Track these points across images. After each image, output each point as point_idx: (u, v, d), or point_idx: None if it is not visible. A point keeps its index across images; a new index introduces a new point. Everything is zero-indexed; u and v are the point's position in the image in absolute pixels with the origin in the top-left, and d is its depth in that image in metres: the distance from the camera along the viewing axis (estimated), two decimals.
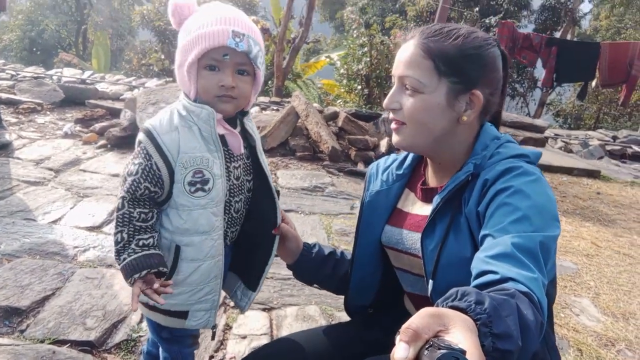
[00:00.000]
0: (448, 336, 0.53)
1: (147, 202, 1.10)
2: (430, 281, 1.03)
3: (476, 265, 0.85)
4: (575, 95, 10.57)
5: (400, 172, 1.22)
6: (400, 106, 1.05)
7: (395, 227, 1.18)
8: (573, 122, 15.54)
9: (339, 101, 9.34)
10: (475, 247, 0.97)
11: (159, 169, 1.07)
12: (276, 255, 1.30)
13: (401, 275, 1.21)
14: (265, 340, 1.94)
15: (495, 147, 1.05)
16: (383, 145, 5.27)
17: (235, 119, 1.17)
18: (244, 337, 1.95)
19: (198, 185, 1.09)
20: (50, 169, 3.54)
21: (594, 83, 7.34)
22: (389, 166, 1.26)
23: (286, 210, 3.40)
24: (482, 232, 0.92)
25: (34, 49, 21.18)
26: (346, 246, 2.90)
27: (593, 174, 5.68)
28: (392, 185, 1.22)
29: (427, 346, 0.52)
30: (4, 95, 5.30)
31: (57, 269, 2.22)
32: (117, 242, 1.09)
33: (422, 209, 1.15)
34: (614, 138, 7.65)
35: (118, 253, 1.08)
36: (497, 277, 0.78)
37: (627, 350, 2.32)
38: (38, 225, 2.62)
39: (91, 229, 2.68)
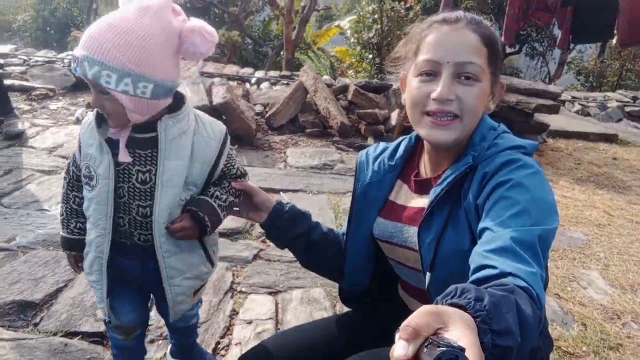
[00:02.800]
0: (447, 334, 0.53)
1: (79, 187, 1.28)
2: (428, 274, 1.03)
3: (474, 259, 0.86)
4: (597, 53, 10.23)
5: (393, 162, 1.20)
6: (455, 97, 1.00)
7: (389, 220, 1.17)
8: (595, 79, 15.09)
9: (350, 71, 9.22)
10: (474, 240, 0.97)
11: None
12: (249, 217, 1.33)
13: (395, 265, 1.21)
14: (270, 325, 2.00)
15: (493, 137, 1.05)
16: (394, 117, 5.21)
17: (153, 123, 1.16)
18: (250, 323, 2.01)
19: (86, 180, 1.21)
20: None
21: (613, 41, 7.10)
22: (379, 155, 1.24)
23: (295, 190, 3.44)
24: (481, 225, 0.92)
25: (48, 28, 21.26)
26: None
27: (610, 138, 5.56)
28: (383, 176, 1.20)
29: (426, 344, 0.52)
30: (17, 82, 5.37)
31: None
32: (60, 215, 1.37)
33: (416, 201, 1.14)
34: (634, 99, 7.42)
35: (61, 224, 1.36)
36: (495, 271, 0.79)
37: (633, 322, 2.32)
38: (52, 216, 2.70)
39: None
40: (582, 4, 6.91)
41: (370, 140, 4.73)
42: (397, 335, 0.53)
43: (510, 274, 0.77)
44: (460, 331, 0.53)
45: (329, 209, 3.17)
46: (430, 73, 1.02)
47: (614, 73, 14.67)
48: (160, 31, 1.09)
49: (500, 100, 1.12)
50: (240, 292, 2.23)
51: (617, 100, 7.32)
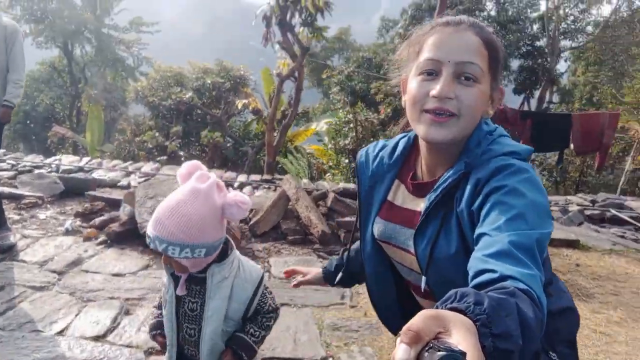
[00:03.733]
0: (448, 338, 0.54)
1: None
2: (423, 277, 1.08)
3: (474, 264, 0.86)
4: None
5: (391, 161, 1.23)
6: (454, 96, 1.02)
7: (388, 221, 1.21)
8: (559, 174, 15.94)
9: (327, 175, 9.69)
10: (463, 246, 1.01)
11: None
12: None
13: (397, 265, 1.26)
14: None
15: (488, 143, 1.07)
16: None
17: (206, 269, 1.51)
18: None
19: (162, 301, 1.62)
20: (54, 271, 3.73)
21: (570, 148, 7.76)
22: (378, 153, 1.27)
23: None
24: (478, 231, 0.93)
25: (28, 122, 21.61)
26: (337, 342, 3.07)
27: (573, 244, 5.91)
28: (383, 175, 1.24)
29: (427, 348, 0.53)
30: (6, 190, 5.54)
31: None
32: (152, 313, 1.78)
33: (413, 203, 1.17)
34: (593, 202, 7.97)
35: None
36: (495, 275, 0.79)
37: None
38: (46, 338, 2.79)
39: (96, 338, 2.84)
40: (539, 118, 7.61)
41: None
42: (398, 339, 0.54)
43: (510, 277, 0.77)
44: (460, 335, 0.54)
45: (313, 324, 3.32)
46: (432, 72, 1.03)
47: (576, 169, 15.58)
48: (209, 210, 1.41)
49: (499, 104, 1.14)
50: None
51: (578, 204, 7.83)
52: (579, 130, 7.50)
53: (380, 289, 1.34)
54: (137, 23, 18.65)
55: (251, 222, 5.18)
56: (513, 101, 24.27)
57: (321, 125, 13.65)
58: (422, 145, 1.14)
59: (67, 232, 4.62)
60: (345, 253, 1.54)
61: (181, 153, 12.29)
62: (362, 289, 3.92)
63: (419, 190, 1.15)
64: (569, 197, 8.44)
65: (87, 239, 4.51)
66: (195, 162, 1.54)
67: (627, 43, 18.46)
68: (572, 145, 7.61)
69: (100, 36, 18.14)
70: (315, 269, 1.68)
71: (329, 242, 5.03)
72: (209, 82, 12.82)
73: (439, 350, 0.51)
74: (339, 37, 24.84)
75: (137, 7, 21.76)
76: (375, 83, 18.82)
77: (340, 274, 1.55)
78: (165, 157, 10.36)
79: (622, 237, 6.67)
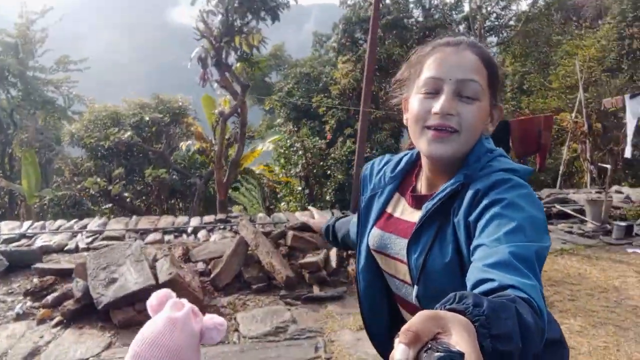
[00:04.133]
0: (447, 338, 0.54)
1: None
2: (415, 287, 1.08)
3: (472, 275, 0.86)
4: None
5: (393, 174, 1.27)
6: (456, 113, 1.04)
7: (384, 231, 1.22)
8: None
9: (282, 204, 9.66)
10: (457, 256, 1.01)
11: None
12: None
13: (389, 278, 1.25)
14: None
15: (487, 160, 1.09)
16: (333, 256, 5.51)
17: None
18: None
19: None
20: None
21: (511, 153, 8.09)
22: (382, 168, 1.31)
23: None
24: (476, 242, 0.93)
25: None
26: None
27: None
28: (384, 188, 1.27)
29: (425, 348, 0.53)
30: None
31: None
32: None
33: (411, 216, 1.18)
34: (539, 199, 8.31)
35: None
36: (495, 284, 0.79)
37: None
38: None
39: None
40: None
41: (316, 290, 4.94)
42: (396, 340, 0.54)
43: (511, 286, 0.77)
44: (459, 336, 0.54)
45: None
46: (433, 90, 1.07)
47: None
48: (187, 339, 1.36)
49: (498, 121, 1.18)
50: None
51: None
52: (518, 135, 7.83)
53: (372, 304, 1.34)
54: (63, 62, 17.95)
55: (212, 276, 5.06)
56: None
57: (267, 145, 13.63)
58: (424, 160, 1.17)
59: (19, 317, 4.35)
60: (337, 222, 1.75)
61: (126, 194, 11.90)
62: (335, 336, 3.91)
63: (417, 202, 1.17)
64: None
65: (41, 321, 4.27)
66: (165, 291, 1.49)
67: (547, 34, 19.46)
68: (512, 150, 7.95)
69: (25, 79, 17.34)
70: (321, 220, 1.88)
71: (294, 286, 4.99)
72: (147, 118, 12.49)
73: (438, 351, 0.51)
74: (274, 53, 24.87)
75: (63, 46, 20.98)
76: (316, 97, 19.01)
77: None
78: (110, 205, 10.01)
79: (570, 232, 6.98)
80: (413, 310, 1.18)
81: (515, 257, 0.83)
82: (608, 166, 6.99)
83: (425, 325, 0.54)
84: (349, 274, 5.26)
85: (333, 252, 5.58)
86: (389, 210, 1.24)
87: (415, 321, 0.55)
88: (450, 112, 1.03)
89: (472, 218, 0.98)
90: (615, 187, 8.65)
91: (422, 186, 1.20)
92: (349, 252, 5.50)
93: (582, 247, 6.35)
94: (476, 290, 0.80)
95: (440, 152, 1.06)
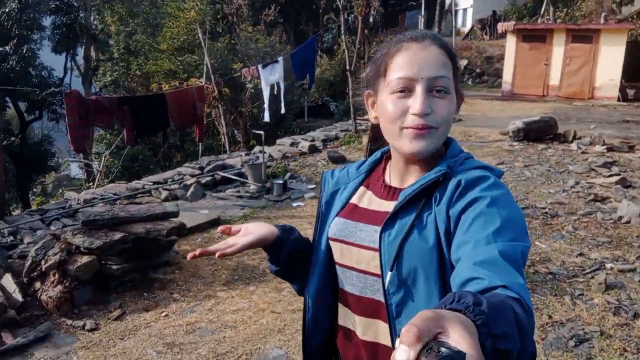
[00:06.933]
0: (447, 338, 0.54)
1: None
2: (389, 273, 1.05)
3: (460, 273, 0.86)
4: None
5: (357, 170, 1.26)
6: (431, 111, 1.05)
7: (348, 219, 1.19)
8: (163, 154, 15.39)
9: None
10: (437, 246, 1.02)
11: None
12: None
13: (343, 272, 1.20)
14: None
15: (464, 157, 1.13)
16: (10, 286, 4.31)
17: None
18: None
19: None
20: None
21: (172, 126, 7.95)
22: (344, 168, 1.30)
23: None
24: (461, 239, 0.95)
25: None
26: None
27: (217, 222, 6.25)
28: (347, 183, 1.25)
29: (426, 349, 0.52)
30: None
31: None
32: None
33: (380, 206, 1.16)
34: (201, 169, 8.54)
35: None
36: (485, 283, 0.79)
37: None
38: None
39: None
40: (135, 103, 7.38)
41: (6, 337, 3.78)
42: (397, 340, 0.54)
43: (500, 286, 0.78)
44: (460, 335, 0.54)
45: None
46: (404, 89, 1.06)
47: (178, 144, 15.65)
48: None
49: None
50: None
51: (191, 175, 8.24)
52: (175, 107, 7.75)
53: (318, 303, 1.26)
54: None
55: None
56: (56, 61, 22.38)
57: None
58: (396, 155, 1.16)
59: None
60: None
61: None
62: None
63: (389, 193, 1.16)
64: (178, 169, 8.76)
65: None
66: None
67: None
68: (172, 123, 7.84)
69: None
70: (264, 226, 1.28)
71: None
72: None
73: (439, 351, 0.52)
74: None
75: None
76: None
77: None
78: None
79: (240, 197, 7.52)
80: (359, 312, 1.16)
81: (502, 256, 0.85)
82: (261, 132, 7.73)
83: (425, 325, 0.54)
84: (44, 302, 4.24)
85: (7, 281, 4.38)
86: (353, 201, 1.22)
87: (415, 321, 0.54)
88: (427, 112, 1.05)
89: (454, 209, 1.00)
90: (258, 148, 9.70)
91: (392, 180, 1.20)
92: (33, 274, 4.45)
93: (258, 209, 6.95)
94: (465, 289, 0.80)
95: (422, 148, 1.06)
